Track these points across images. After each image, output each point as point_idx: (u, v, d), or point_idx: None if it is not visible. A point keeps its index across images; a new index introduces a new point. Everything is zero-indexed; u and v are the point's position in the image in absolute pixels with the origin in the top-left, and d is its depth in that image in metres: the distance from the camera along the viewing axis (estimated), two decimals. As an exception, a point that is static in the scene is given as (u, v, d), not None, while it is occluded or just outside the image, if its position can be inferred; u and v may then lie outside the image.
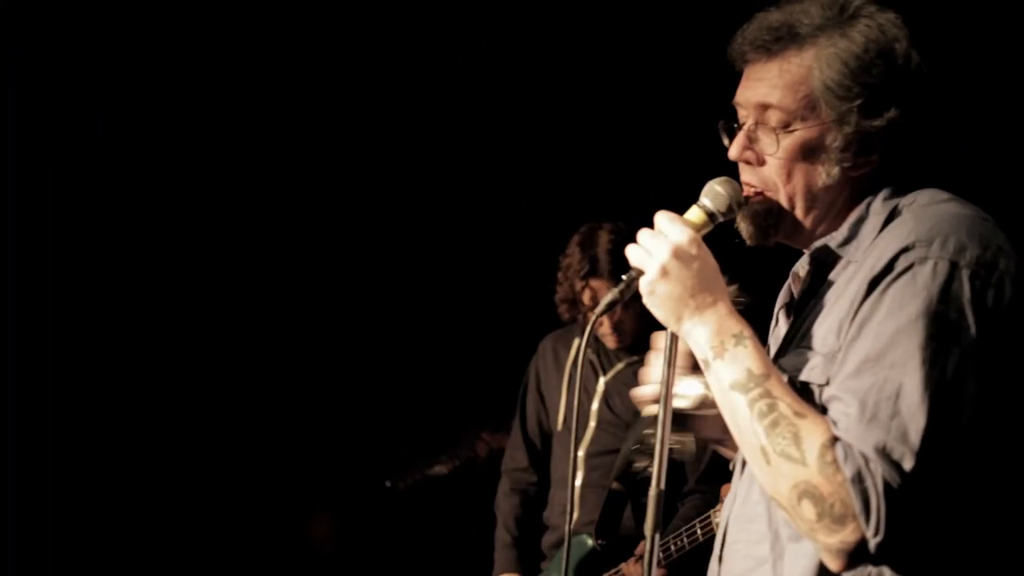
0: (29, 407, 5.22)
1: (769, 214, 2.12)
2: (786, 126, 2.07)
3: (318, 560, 5.69)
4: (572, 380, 4.35)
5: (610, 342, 4.36)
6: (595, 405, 4.39)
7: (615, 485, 4.18)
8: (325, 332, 5.65)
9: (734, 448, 2.29)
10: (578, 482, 4.35)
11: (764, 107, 2.08)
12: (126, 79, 5.15)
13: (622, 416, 4.30)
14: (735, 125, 2.14)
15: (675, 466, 4.06)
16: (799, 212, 2.11)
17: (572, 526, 4.28)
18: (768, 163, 2.10)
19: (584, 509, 4.29)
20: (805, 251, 2.18)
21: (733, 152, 2.13)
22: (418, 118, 5.43)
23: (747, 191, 2.13)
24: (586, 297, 4.31)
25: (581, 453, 4.36)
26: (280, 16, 5.14)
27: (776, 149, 2.08)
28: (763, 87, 2.09)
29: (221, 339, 5.53)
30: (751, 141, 2.11)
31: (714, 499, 3.97)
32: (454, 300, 5.69)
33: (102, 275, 5.34)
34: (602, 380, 4.40)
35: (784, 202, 2.11)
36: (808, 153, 2.07)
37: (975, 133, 4.05)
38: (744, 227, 2.14)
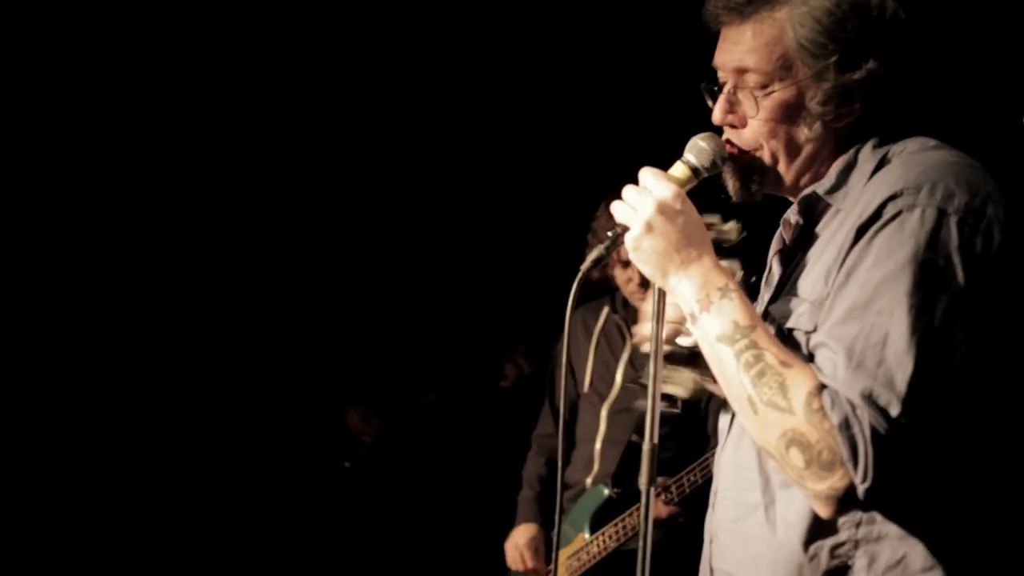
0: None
1: (753, 169, 2.07)
2: (764, 87, 2.01)
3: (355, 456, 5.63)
4: (572, 336, 4.39)
5: (637, 299, 4.36)
6: (621, 366, 4.39)
7: (634, 437, 4.22)
8: (366, 244, 5.61)
9: None
10: (599, 438, 4.35)
11: (741, 71, 2.03)
12: (125, 79, 5.14)
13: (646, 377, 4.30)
14: (716, 88, 2.08)
15: (695, 422, 4.08)
16: (782, 167, 2.06)
17: (593, 479, 4.32)
18: (750, 124, 2.05)
19: (605, 462, 4.30)
20: (793, 200, 2.12)
21: (716, 117, 2.08)
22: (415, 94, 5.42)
23: (730, 149, 2.07)
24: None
25: (604, 411, 4.37)
26: (280, 16, 5.11)
27: (757, 111, 2.02)
28: (739, 51, 2.03)
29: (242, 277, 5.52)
30: (732, 105, 2.06)
31: (715, 434, 3.99)
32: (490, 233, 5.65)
33: (97, 269, 5.34)
34: (629, 342, 4.40)
35: (768, 159, 2.06)
36: (789, 111, 2.02)
37: (962, 79, 3.98)
38: (730, 183, 2.09)
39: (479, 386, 5.41)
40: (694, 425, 4.04)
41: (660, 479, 4.12)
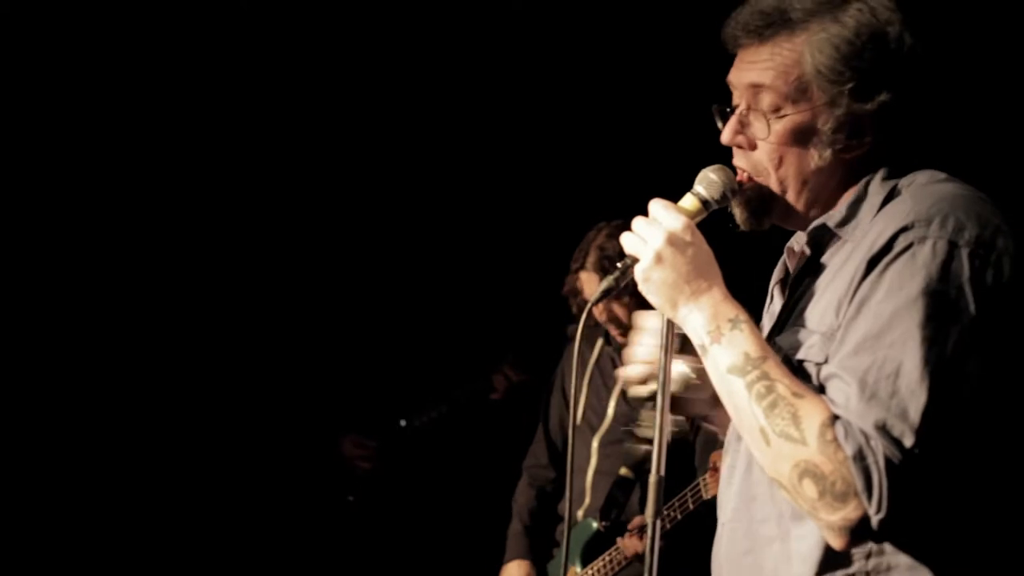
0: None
1: (762, 199, 2.05)
2: (777, 110, 2.00)
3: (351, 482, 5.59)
4: (577, 368, 4.36)
5: (613, 332, 4.37)
6: (613, 399, 4.40)
7: (623, 471, 4.24)
8: (349, 261, 5.53)
9: (720, 423, 2.25)
10: (591, 470, 4.35)
11: (756, 89, 2.01)
12: (125, 79, 5.10)
13: (636, 409, 4.30)
14: (728, 109, 2.06)
15: (684, 456, 4.08)
16: (791, 195, 2.04)
17: (585, 511, 4.33)
18: (760, 147, 2.03)
19: (596, 495, 4.30)
20: (801, 231, 2.10)
21: (725, 137, 2.06)
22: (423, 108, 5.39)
23: (740, 175, 2.06)
24: (578, 290, 4.35)
25: (595, 443, 4.37)
26: (280, 16, 5.09)
27: (768, 134, 2.01)
28: (755, 70, 2.01)
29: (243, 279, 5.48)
30: (743, 126, 2.04)
31: (703, 468, 3.99)
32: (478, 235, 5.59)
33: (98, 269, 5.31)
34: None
35: (775, 186, 2.04)
36: (800, 137, 2.00)
37: (971, 114, 3.98)
38: (738, 213, 2.07)
39: (471, 402, 5.38)
40: (676, 461, 4.03)
41: (638, 518, 4.12)
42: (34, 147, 5.11)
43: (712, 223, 2.08)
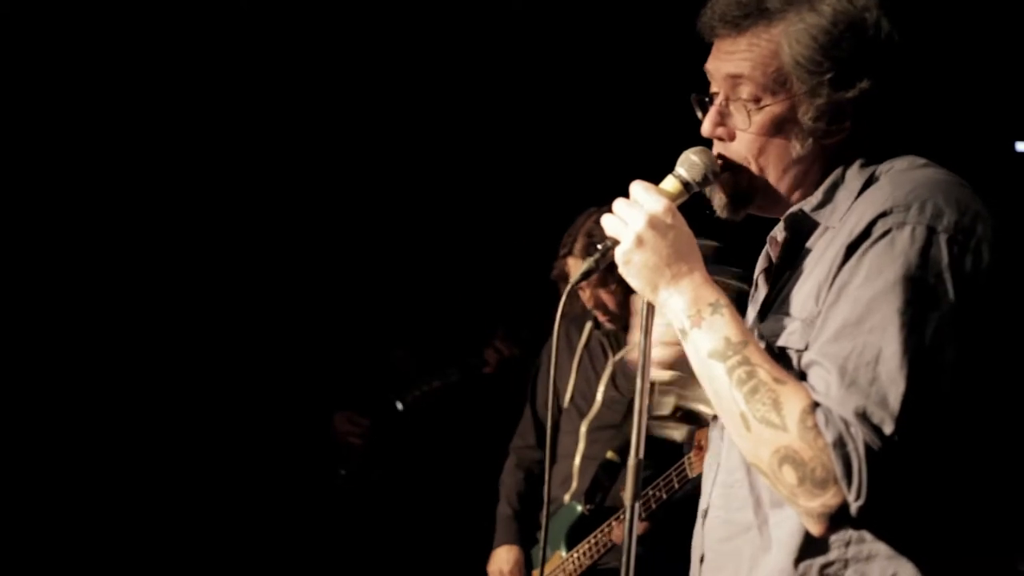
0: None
1: (740, 186, 2.04)
2: (757, 101, 1.99)
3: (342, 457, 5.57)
4: (562, 352, 4.43)
5: (604, 322, 4.37)
6: (602, 384, 4.39)
7: (609, 455, 4.23)
8: (343, 238, 5.54)
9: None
10: (579, 455, 4.34)
11: (735, 80, 2.00)
12: (125, 79, 5.10)
13: (626, 395, 4.30)
14: (706, 98, 2.06)
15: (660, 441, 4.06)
16: (772, 183, 2.03)
17: (571, 496, 4.32)
18: (740, 138, 2.02)
19: (583, 480, 4.29)
20: (780, 218, 2.10)
21: (705, 129, 2.05)
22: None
23: (723, 165, 2.05)
24: (566, 275, 4.35)
25: (583, 428, 4.36)
26: (280, 16, 5.09)
27: (748, 125, 2.00)
28: (733, 61, 2.01)
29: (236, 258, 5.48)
30: (723, 117, 2.03)
31: (688, 446, 3.98)
32: (468, 208, 5.58)
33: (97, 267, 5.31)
34: (611, 360, 4.39)
35: (757, 174, 2.03)
36: (780, 127, 2.00)
37: (950, 99, 3.99)
38: (717, 200, 2.07)
39: (463, 376, 5.37)
40: (659, 442, 4.02)
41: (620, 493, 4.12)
42: (34, 147, 5.12)
43: (693, 207, 2.06)
